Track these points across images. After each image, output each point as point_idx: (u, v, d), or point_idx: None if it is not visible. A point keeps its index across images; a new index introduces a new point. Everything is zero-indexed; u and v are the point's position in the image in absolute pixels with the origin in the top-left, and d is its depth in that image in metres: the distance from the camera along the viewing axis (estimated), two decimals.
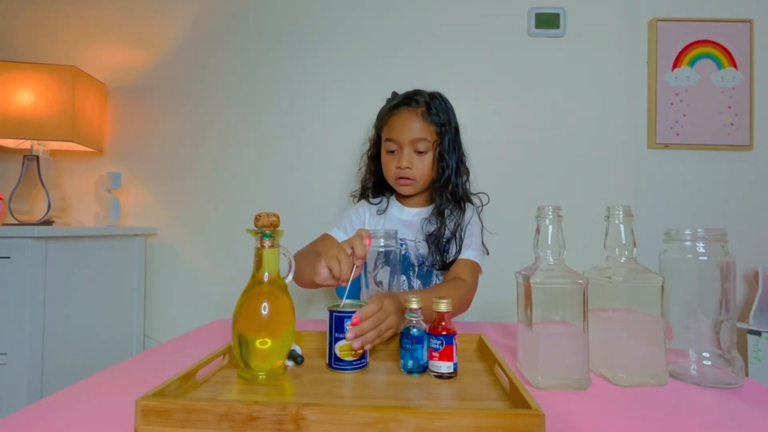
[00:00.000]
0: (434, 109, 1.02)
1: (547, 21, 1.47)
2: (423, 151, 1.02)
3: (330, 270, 0.65)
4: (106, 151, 1.52)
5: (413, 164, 1.01)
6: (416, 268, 1.03)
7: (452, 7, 1.49)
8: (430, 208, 1.08)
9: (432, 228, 1.02)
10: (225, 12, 1.52)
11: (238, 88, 1.52)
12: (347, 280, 0.65)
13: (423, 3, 1.50)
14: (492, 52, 1.49)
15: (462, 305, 0.93)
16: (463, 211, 1.05)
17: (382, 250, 0.75)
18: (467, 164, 1.10)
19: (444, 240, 1.01)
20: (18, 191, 1.30)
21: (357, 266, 0.65)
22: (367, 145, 1.19)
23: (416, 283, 1.03)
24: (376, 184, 1.16)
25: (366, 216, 1.12)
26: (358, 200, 1.18)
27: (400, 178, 1.03)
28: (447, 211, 1.03)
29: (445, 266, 1.01)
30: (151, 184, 1.52)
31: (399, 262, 0.76)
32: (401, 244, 1.04)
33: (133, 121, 1.53)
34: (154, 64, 1.53)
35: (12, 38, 1.52)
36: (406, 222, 1.08)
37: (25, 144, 1.35)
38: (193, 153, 1.52)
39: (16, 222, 1.27)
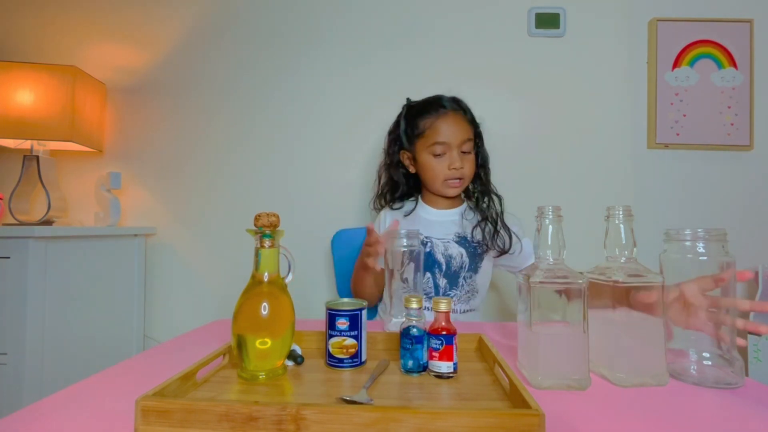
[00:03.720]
0: (468, 110, 1.09)
1: (547, 21, 1.47)
2: (467, 151, 1.06)
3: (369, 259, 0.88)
4: (106, 151, 1.52)
5: (464, 164, 1.05)
6: (443, 267, 1.04)
7: (451, 7, 1.49)
8: (460, 208, 1.12)
9: (475, 221, 1.07)
10: (224, 12, 1.52)
11: (237, 88, 1.52)
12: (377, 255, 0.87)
13: (422, 3, 1.50)
14: (492, 52, 1.49)
15: None
16: (500, 199, 1.11)
17: (405, 249, 0.77)
18: (487, 155, 1.15)
19: (490, 229, 1.05)
20: (18, 191, 1.30)
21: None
22: (382, 158, 1.20)
23: (442, 282, 1.04)
24: (396, 192, 1.18)
25: (387, 222, 1.14)
26: (380, 209, 1.21)
27: (452, 179, 1.06)
28: (485, 205, 1.09)
29: (504, 251, 1.05)
30: (151, 184, 1.52)
31: (421, 261, 0.80)
32: (427, 243, 1.06)
33: (133, 121, 1.53)
34: (154, 64, 1.53)
35: (12, 38, 1.52)
36: (433, 222, 1.10)
37: (25, 144, 1.35)
38: (193, 153, 1.52)
39: (16, 222, 1.27)
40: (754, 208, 1.45)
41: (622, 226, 0.59)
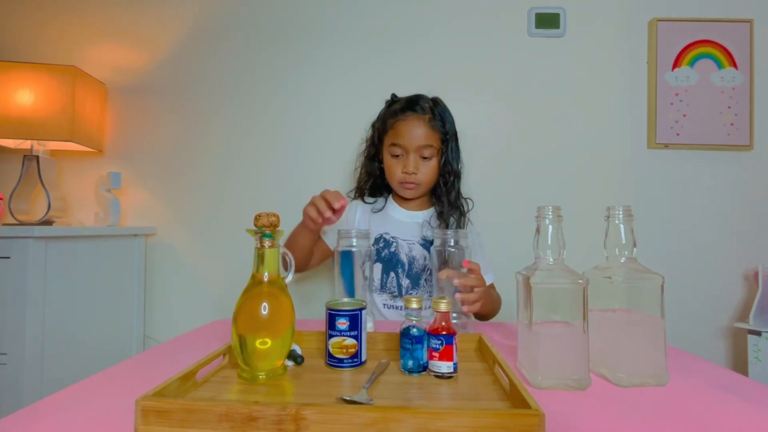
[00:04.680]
0: (438, 116, 1.06)
1: (547, 21, 1.47)
2: (428, 157, 1.04)
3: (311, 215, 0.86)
4: (106, 151, 1.52)
5: (419, 169, 1.04)
6: (405, 267, 1.05)
7: (451, 7, 1.49)
8: (428, 211, 1.12)
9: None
10: (224, 12, 1.52)
11: (237, 88, 1.52)
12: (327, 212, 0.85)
13: (422, 2, 1.50)
14: (492, 52, 1.49)
15: (497, 310, 1.05)
16: (462, 214, 1.10)
17: (354, 250, 0.77)
18: (461, 168, 1.14)
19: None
20: (18, 191, 1.30)
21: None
22: (364, 145, 1.20)
23: (405, 282, 1.06)
24: (373, 185, 1.18)
25: (357, 215, 1.13)
26: (353, 200, 1.20)
27: (406, 182, 1.06)
28: (451, 219, 1.07)
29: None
30: (151, 184, 1.52)
31: (371, 259, 0.82)
32: (391, 242, 1.07)
33: (133, 121, 1.53)
34: (154, 64, 1.53)
35: (12, 38, 1.52)
36: (402, 222, 1.10)
37: (25, 144, 1.35)
38: (193, 153, 1.52)
39: (16, 222, 1.27)
40: (754, 208, 1.45)
41: (622, 226, 0.59)
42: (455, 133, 1.11)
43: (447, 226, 1.06)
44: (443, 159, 1.06)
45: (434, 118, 1.05)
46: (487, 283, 1.01)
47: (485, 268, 0.96)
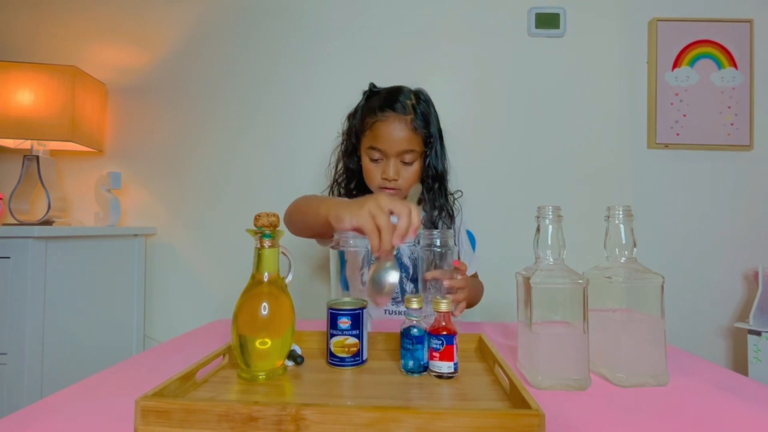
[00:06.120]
0: (421, 115, 0.98)
1: (547, 21, 1.47)
2: (409, 162, 0.98)
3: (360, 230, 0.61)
4: (106, 151, 1.52)
5: (400, 175, 0.98)
6: (410, 271, 1.00)
7: (451, 7, 1.50)
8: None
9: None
10: (224, 12, 1.52)
11: (237, 88, 1.52)
12: (385, 253, 0.59)
13: (422, 2, 1.50)
14: (492, 52, 1.49)
15: (479, 298, 1.03)
16: (452, 216, 1.04)
17: (352, 249, 0.75)
18: (447, 166, 1.06)
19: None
20: (18, 191, 1.30)
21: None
22: (340, 139, 1.10)
23: (409, 287, 1.02)
24: (351, 183, 1.08)
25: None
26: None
27: (386, 188, 1.00)
28: (440, 222, 1.02)
29: None
30: (151, 184, 1.52)
31: (367, 261, 0.77)
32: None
33: (133, 121, 1.53)
34: (154, 64, 1.53)
35: (12, 38, 1.52)
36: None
37: (25, 144, 1.35)
38: (193, 153, 1.52)
39: (16, 222, 1.27)
40: (754, 208, 1.45)
41: (622, 226, 0.59)
42: (440, 133, 1.03)
43: (435, 226, 1.02)
44: (427, 162, 1.00)
45: (416, 119, 0.96)
46: (470, 274, 0.98)
47: (470, 261, 0.99)
